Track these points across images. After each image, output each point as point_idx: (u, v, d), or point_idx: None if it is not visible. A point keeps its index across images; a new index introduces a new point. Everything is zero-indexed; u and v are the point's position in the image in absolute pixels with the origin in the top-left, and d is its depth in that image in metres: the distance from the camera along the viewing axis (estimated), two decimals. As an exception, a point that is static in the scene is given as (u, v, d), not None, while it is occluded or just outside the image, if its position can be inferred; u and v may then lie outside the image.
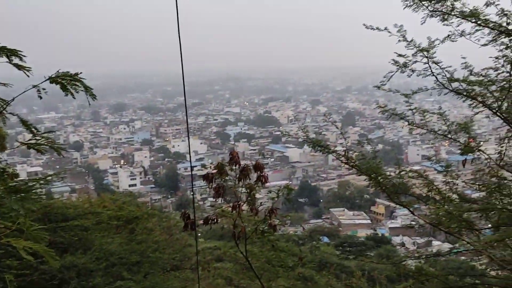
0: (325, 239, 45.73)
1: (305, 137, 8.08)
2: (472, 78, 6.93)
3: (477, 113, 7.21)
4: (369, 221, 67.39)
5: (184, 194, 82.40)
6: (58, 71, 4.23)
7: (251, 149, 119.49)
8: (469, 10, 6.56)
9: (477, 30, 6.62)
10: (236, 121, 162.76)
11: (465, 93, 7.04)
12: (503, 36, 6.51)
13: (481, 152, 7.23)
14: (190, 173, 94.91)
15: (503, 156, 7.09)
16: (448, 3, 6.65)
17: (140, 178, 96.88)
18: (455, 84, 7.07)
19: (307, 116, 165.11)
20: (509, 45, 6.54)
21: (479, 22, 6.55)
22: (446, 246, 56.31)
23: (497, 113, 6.87)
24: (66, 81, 4.19)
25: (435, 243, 58.05)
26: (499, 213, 6.73)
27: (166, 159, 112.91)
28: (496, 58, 6.71)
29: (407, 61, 7.04)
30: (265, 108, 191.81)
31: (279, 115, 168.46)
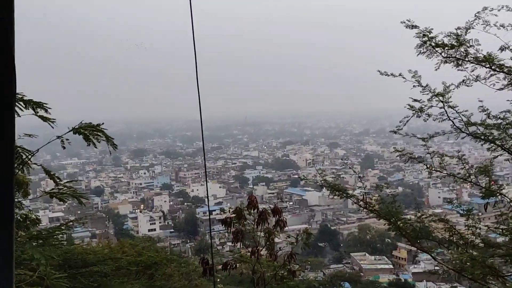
0: (347, 285, 44.68)
1: (323, 181, 8.07)
2: (489, 121, 6.92)
3: (496, 156, 7.15)
4: (391, 266, 65.66)
5: (203, 239, 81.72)
6: (81, 122, 4.41)
7: (270, 193, 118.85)
8: (483, 56, 6.62)
9: (492, 75, 6.66)
10: (254, 164, 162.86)
11: (482, 137, 7.01)
12: None
13: (502, 195, 7.11)
14: (208, 217, 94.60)
15: None
16: (462, 49, 6.73)
17: (160, 222, 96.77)
18: (472, 128, 7.06)
19: (325, 159, 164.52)
20: None
21: (493, 67, 6.59)
22: (472, 292, 54.05)
23: None
24: (89, 132, 4.36)
25: (461, 289, 56.02)
26: None
27: (186, 203, 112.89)
28: None
29: (423, 106, 7.08)
30: (283, 151, 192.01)
31: (297, 159, 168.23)
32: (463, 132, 7.10)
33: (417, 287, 53.28)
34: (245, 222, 7.01)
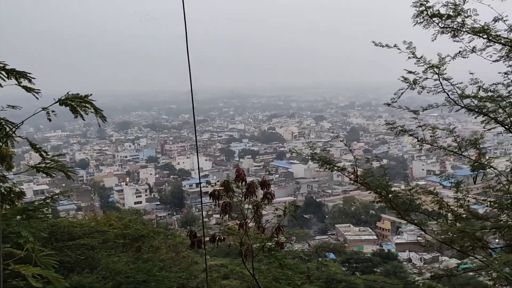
0: (332, 256, 45.44)
1: (313, 154, 8.02)
2: (482, 94, 6.87)
3: (489, 129, 7.13)
4: (375, 237, 66.86)
5: (189, 211, 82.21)
6: (68, 93, 4.29)
7: (256, 165, 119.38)
8: (480, 26, 6.52)
9: (488, 46, 6.56)
10: (240, 137, 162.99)
11: (476, 110, 6.96)
12: None
13: (492, 168, 7.11)
14: (194, 190, 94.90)
15: None
16: (459, 20, 6.60)
17: (146, 195, 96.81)
18: (466, 101, 7.00)
19: (311, 132, 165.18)
20: None
21: (490, 38, 6.50)
22: (454, 262, 55.83)
23: (510, 129, 6.78)
24: (76, 103, 4.25)
25: (443, 258, 57.50)
26: None
27: (171, 176, 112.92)
28: (505, 73, 6.67)
29: (418, 78, 6.98)
30: (269, 124, 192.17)
31: (283, 131, 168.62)
32: (458, 105, 7.03)
33: (400, 257, 54.43)
34: (233, 195, 6.98)
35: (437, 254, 58.49)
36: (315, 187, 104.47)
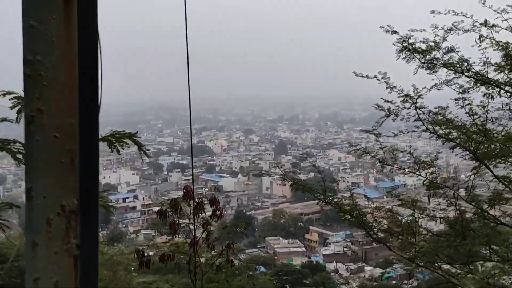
0: (262, 269, 45.74)
1: (284, 176, 8.39)
2: (440, 119, 7.43)
3: (453, 150, 7.73)
4: (303, 249, 68.22)
5: (116, 227, 79.54)
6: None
7: (185, 179, 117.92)
8: (451, 61, 7.04)
9: (454, 78, 7.16)
10: (169, 151, 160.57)
11: (444, 136, 7.53)
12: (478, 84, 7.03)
13: (447, 188, 7.69)
14: (121, 205, 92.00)
15: (470, 191, 7.56)
16: (439, 55, 7.11)
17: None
18: (436, 127, 7.58)
19: (240, 145, 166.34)
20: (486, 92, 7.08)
21: (457, 71, 7.07)
22: (378, 271, 58.04)
23: (475, 155, 7.32)
24: (116, 139, 4.10)
25: (367, 268, 59.76)
26: (468, 249, 7.14)
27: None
28: (456, 100, 7.24)
29: (395, 108, 7.43)
30: (198, 138, 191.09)
31: (213, 145, 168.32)
32: (430, 131, 7.54)
33: (328, 268, 55.93)
34: (181, 213, 7.01)
35: (362, 264, 60.75)
36: (244, 200, 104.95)
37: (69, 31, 1.10)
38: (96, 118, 1.16)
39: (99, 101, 1.18)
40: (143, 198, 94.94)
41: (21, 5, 1.10)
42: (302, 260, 57.53)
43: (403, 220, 7.75)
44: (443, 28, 6.74)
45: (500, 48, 6.58)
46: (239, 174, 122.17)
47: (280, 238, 71.80)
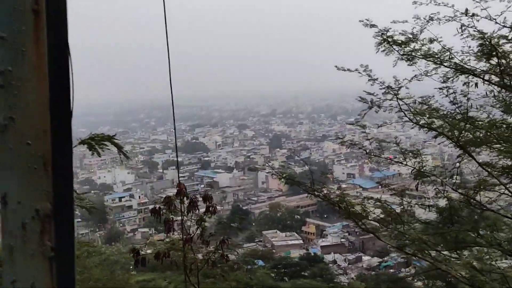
0: (260, 262, 45.90)
1: (281, 175, 8.49)
2: (423, 107, 7.52)
3: (440, 143, 7.82)
4: (301, 241, 68.51)
5: (113, 227, 79.51)
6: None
7: (181, 176, 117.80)
8: (431, 52, 7.13)
9: (434, 68, 7.25)
10: (163, 148, 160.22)
11: (426, 126, 7.62)
12: (458, 73, 7.13)
13: (435, 176, 7.80)
14: (118, 204, 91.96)
15: (455, 179, 7.68)
16: (417, 46, 7.19)
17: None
18: (418, 117, 7.67)
19: (234, 141, 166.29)
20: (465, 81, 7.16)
21: (436, 62, 7.15)
22: (376, 261, 58.37)
23: (458, 143, 7.41)
24: (96, 142, 4.19)
25: (365, 258, 60.14)
26: (454, 235, 7.27)
27: (92, 191, 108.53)
28: (440, 89, 7.31)
29: (377, 100, 7.51)
30: (192, 134, 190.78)
31: (207, 141, 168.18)
32: (412, 122, 7.64)
33: (326, 259, 56.21)
34: (175, 210, 7.05)
35: (360, 254, 61.14)
36: (240, 195, 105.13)
37: (39, 42, 1.14)
38: (68, 123, 1.20)
39: (71, 107, 1.21)
40: (139, 196, 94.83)
41: (-10, 17, 1.14)
42: (300, 253, 57.78)
43: (392, 210, 7.86)
44: (425, 19, 6.81)
45: (476, 38, 6.66)
46: (234, 169, 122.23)
47: (278, 231, 72.05)
